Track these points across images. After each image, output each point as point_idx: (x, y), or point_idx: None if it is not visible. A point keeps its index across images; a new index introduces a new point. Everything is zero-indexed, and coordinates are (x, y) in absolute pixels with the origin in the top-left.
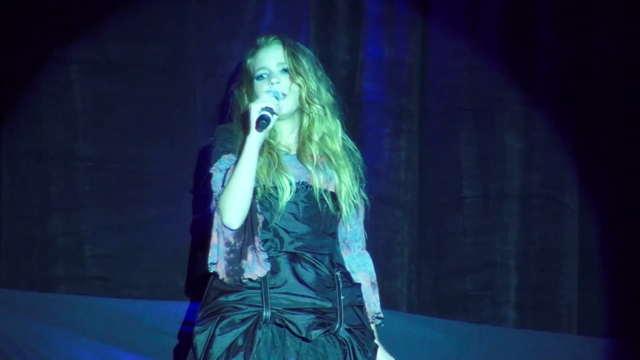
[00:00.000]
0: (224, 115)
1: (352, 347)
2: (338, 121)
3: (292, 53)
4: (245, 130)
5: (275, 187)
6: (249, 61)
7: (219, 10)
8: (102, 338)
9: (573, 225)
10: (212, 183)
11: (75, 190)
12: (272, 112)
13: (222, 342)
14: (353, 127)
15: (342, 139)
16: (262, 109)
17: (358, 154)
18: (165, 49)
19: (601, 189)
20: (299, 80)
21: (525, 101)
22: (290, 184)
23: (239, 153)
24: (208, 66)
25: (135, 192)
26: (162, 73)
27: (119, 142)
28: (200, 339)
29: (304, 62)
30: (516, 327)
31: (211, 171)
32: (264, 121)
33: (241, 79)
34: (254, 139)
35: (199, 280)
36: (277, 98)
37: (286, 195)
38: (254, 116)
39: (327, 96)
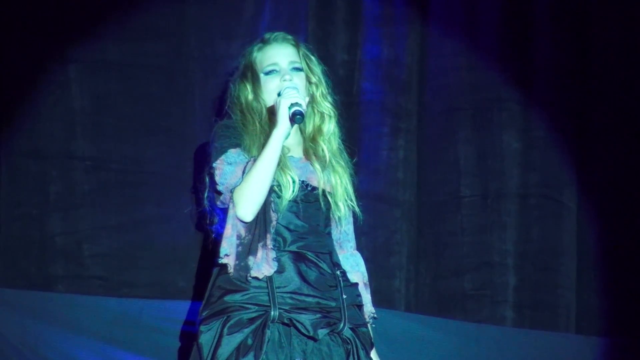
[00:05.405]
0: (223, 114)
1: (356, 346)
2: (337, 125)
3: (307, 54)
4: (271, 124)
5: (279, 185)
6: (255, 55)
7: (217, 10)
8: (101, 337)
9: (571, 224)
10: (219, 176)
11: (73, 190)
12: (302, 108)
13: (230, 342)
14: (351, 126)
15: (339, 142)
16: (293, 104)
17: (349, 162)
18: (164, 49)
19: (599, 188)
20: (315, 79)
21: (523, 100)
22: (294, 181)
23: (262, 146)
24: (207, 66)
25: (134, 191)
26: (161, 72)
27: (118, 141)
28: (206, 339)
29: (316, 64)
30: (514, 327)
31: (214, 165)
32: (299, 116)
33: (244, 72)
34: (282, 132)
35: (199, 279)
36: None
37: (289, 193)
38: (283, 111)
39: (332, 99)
